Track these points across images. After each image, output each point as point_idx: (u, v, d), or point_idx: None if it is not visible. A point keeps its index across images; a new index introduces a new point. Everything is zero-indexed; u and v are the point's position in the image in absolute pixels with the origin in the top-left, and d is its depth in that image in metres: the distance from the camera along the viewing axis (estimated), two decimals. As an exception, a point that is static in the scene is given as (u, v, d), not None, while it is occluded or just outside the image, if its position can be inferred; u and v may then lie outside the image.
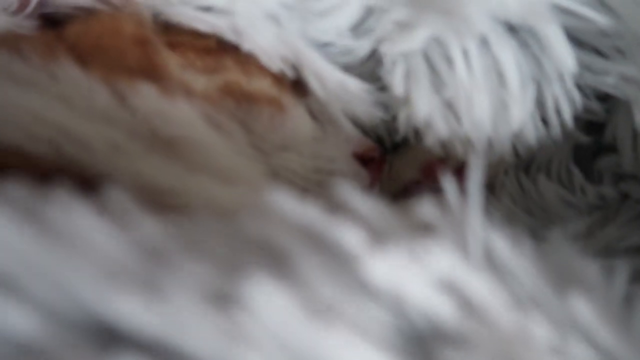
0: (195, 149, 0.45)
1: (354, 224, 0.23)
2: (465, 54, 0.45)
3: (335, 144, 0.56)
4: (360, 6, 0.45)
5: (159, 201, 0.41)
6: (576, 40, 0.45)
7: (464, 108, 0.46)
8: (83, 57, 0.46)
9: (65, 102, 0.42)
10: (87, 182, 0.39)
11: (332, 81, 0.49)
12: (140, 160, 0.42)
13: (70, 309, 0.18)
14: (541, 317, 0.24)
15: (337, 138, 0.56)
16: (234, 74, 0.51)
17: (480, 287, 0.24)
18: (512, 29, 0.45)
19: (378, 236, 0.26)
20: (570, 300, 0.24)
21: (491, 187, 0.61)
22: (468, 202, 0.28)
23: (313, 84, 0.50)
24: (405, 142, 0.58)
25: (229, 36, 0.49)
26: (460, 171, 0.60)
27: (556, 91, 0.46)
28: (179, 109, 0.45)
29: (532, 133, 0.49)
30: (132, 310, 0.17)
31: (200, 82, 0.49)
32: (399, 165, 0.63)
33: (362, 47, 0.48)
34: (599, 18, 0.42)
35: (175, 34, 0.51)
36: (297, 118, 0.54)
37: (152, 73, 0.47)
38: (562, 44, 0.43)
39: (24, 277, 0.18)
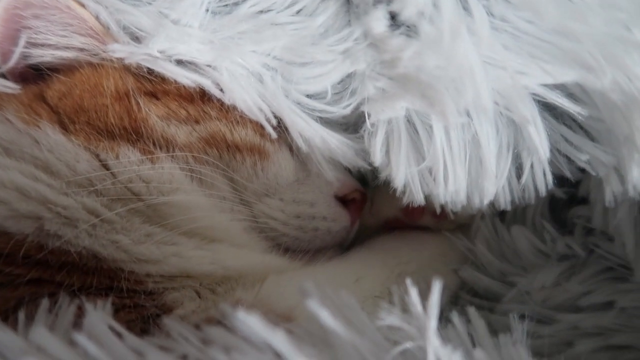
0: (177, 213, 0.46)
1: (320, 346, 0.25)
2: (446, 128, 0.45)
3: (316, 187, 0.57)
4: (342, 73, 0.45)
5: (139, 271, 0.43)
6: (558, 113, 0.46)
7: (441, 178, 0.47)
8: (65, 120, 0.46)
9: (48, 171, 0.43)
10: (70, 262, 0.41)
11: (313, 138, 0.49)
12: (121, 231, 0.43)
13: None
14: None
15: (319, 179, 0.57)
16: (217, 124, 0.51)
17: None
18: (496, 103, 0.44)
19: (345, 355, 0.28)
20: None
21: (467, 229, 0.64)
22: (428, 323, 0.30)
23: (295, 138, 0.50)
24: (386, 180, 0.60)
25: (213, 91, 0.49)
26: (440, 215, 0.62)
27: (533, 161, 0.47)
28: (160, 171, 0.46)
29: (507, 197, 0.49)
30: None
31: (183, 133, 0.50)
32: (380, 202, 0.65)
33: (342, 111, 0.48)
34: (576, 108, 0.42)
35: (159, 82, 0.50)
36: (280, 162, 0.54)
37: (134, 131, 0.47)
38: (539, 137, 0.44)
39: None
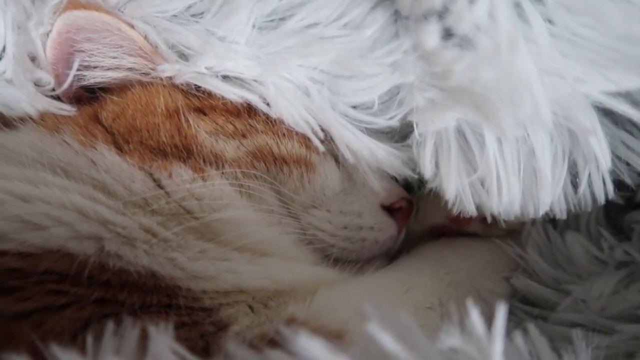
0: (229, 229, 0.46)
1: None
2: (497, 138, 0.44)
3: (363, 197, 0.57)
4: (390, 85, 0.44)
5: (195, 288, 0.43)
6: (616, 116, 0.44)
7: (495, 190, 0.45)
8: (119, 140, 0.47)
9: (106, 191, 0.44)
10: (130, 282, 0.42)
11: (361, 150, 0.49)
12: (177, 248, 0.44)
13: None
14: None
15: (365, 189, 0.57)
16: (263, 138, 0.51)
17: None
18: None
19: None
20: None
21: (517, 235, 0.62)
22: (493, 348, 0.29)
23: (343, 151, 0.50)
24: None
25: (259, 106, 0.49)
26: (485, 220, 0.60)
27: (591, 170, 0.45)
28: (211, 188, 0.47)
29: (563, 206, 0.48)
30: None
31: (231, 148, 0.50)
32: (426, 208, 0.64)
33: (389, 121, 0.47)
34: (637, 114, 0.40)
35: (207, 98, 0.51)
36: (326, 174, 0.54)
37: (185, 148, 0.48)
38: (601, 148, 0.42)
39: None
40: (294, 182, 0.52)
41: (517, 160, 0.44)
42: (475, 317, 0.31)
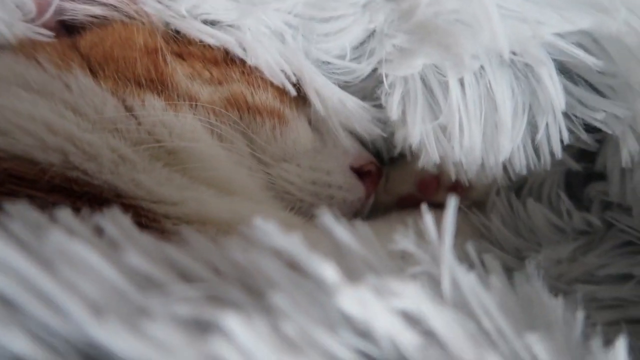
0: (197, 160, 0.47)
1: (331, 258, 0.25)
2: (461, 81, 0.46)
3: (333, 156, 0.58)
4: (362, 30, 0.47)
5: (157, 210, 0.44)
6: (571, 74, 0.47)
7: (455, 133, 0.48)
8: (95, 66, 0.48)
9: (77, 112, 0.44)
10: (91, 192, 0.42)
11: (331, 98, 0.51)
12: (142, 171, 0.44)
13: (64, 329, 0.20)
14: (499, 353, 0.26)
15: (336, 150, 0.58)
16: (238, 86, 0.52)
17: (445, 321, 0.26)
18: (511, 62, 0.46)
19: (354, 268, 0.28)
20: (528, 339, 0.26)
21: (482, 206, 0.64)
22: (443, 240, 0.30)
23: (313, 99, 0.52)
24: (402, 155, 0.60)
25: (236, 50, 0.51)
26: (454, 188, 0.62)
27: (548, 121, 0.48)
28: (183, 120, 0.47)
29: (522, 160, 0.50)
30: (118, 335, 0.19)
31: (206, 92, 0.51)
32: (396, 178, 0.65)
33: (362, 69, 0.49)
34: (591, 59, 0.43)
35: (185, 44, 0.52)
36: (298, 129, 0.55)
37: (160, 83, 0.49)
38: (553, 83, 0.45)
39: (22, 297, 0.21)
40: (265, 132, 0.53)
41: (478, 108, 0.46)
42: (428, 219, 0.31)
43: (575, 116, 0.49)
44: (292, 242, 0.26)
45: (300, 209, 0.55)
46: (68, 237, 0.23)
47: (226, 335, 0.21)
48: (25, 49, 0.48)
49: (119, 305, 0.20)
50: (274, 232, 0.26)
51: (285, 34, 0.49)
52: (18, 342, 0.19)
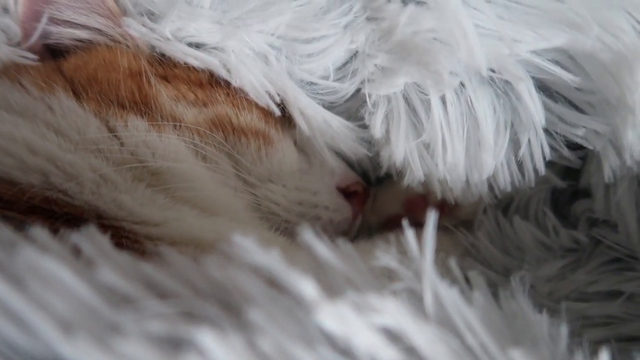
0: (180, 180, 0.46)
1: (311, 274, 0.25)
2: (443, 100, 0.47)
3: (319, 177, 0.58)
4: (344, 50, 0.48)
5: (139, 231, 0.43)
6: (551, 92, 0.48)
7: (440, 151, 0.48)
8: (79, 89, 0.48)
9: (59, 133, 0.44)
10: (71, 213, 0.41)
11: (316, 118, 0.51)
12: (124, 191, 0.44)
13: (30, 347, 0.19)
14: None
15: (322, 170, 0.58)
16: (223, 108, 0.52)
17: (427, 337, 0.25)
18: (491, 80, 0.47)
19: (335, 284, 0.28)
20: (512, 354, 0.26)
21: (469, 225, 0.64)
22: (424, 255, 0.29)
23: (298, 119, 0.52)
24: (389, 175, 0.60)
25: (220, 72, 0.51)
26: (441, 207, 0.62)
27: (530, 137, 0.48)
28: (166, 140, 0.47)
29: (507, 176, 0.51)
30: (88, 352, 0.18)
31: (191, 114, 0.51)
32: (383, 198, 0.65)
33: (346, 89, 0.50)
34: (568, 76, 0.44)
35: (170, 67, 0.53)
36: (284, 150, 0.55)
37: (144, 104, 0.49)
38: (533, 100, 0.45)
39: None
40: (251, 154, 0.53)
41: (460, 125, 0.47)
42: (409, 235, 0.31)
43: (557, 133, 0.49)
44: (270, 259, 0.25)
45: (286, 229, 0.54)
46: (39, 254, 0.22)
47: (200, 352, 0.20)
48: (9, 72, 0.48)
49: (89, 323, 0.20)
50: (252, 248, 0.26)
51: (268, 55, 0.49)
52: None
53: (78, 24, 0.51)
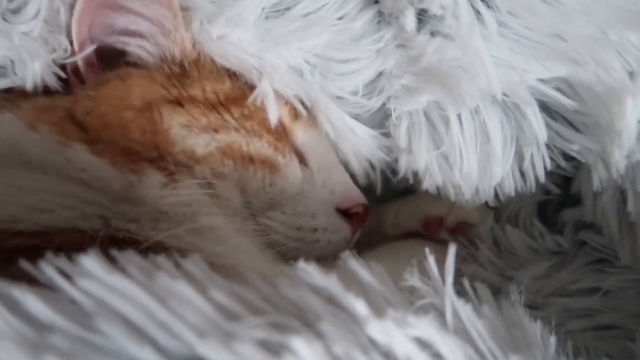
0: (202, 236, 0.48)
1: (360, 294, 0.32)
2: (459, 117, 0.56)
3: (319, 198, 0.59)
4: (374, 71, 0.55)
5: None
6: (551, 112, 0.57)
7: (456, 161, 0.57)
8: (92, 138, 0.49)
9: (89, 186, 0.47)
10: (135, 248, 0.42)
11: (342, 125, 0.58)
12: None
13: (176, 348, 0.27)
14: None
15: (323, 191, 0.59)
16: (234, 135, 0.54)
17: (449, 346, 0.32)
18: (501, 101, 0.55)
19: (376, 303, 0.34)
20: (511, 359, 0.33)
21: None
22: (446, 280, 0.36)
23: (325, 126, 0.59)
24: (408, 191, 0.71)
25: (252, 75, 0.55)
26: (454, 230, 0.70)
27: (533, 151, 0.57)
28: (182, 197, 0.49)
29: (512, 184, 0.60)
30: (217, 352, 0.26)
31: (202, 142, 0.52)
32: (403, 214, 0.73)
33: (372, 104, 0.57)
34: (568, 101, 0.53)
35: (187, 87, 0.54)
36: (288, 176, 0.56)
37: (154, 146, 0.50)
38: (537, 120, 0.54)
39: (146, 324, 0.27)
40: (257, 183, 0.55)
41: (474, 138, 0.56)
42: (431, 260, 0.38)
43: (555, 147, 0.58)
44: (330, 282, 0.33)
45: (282, 252, 0.56)
46: (171, 278, 0.29)
47: (294, 354, 0.27)
48: (27, 117, 0.49)
49: (213, 330, 0.27)
50: (314, 273, 0.34)
51: (304, 69, 0.55)
52: (148, 355, 0.26)
53: (137, 13, 0.53)
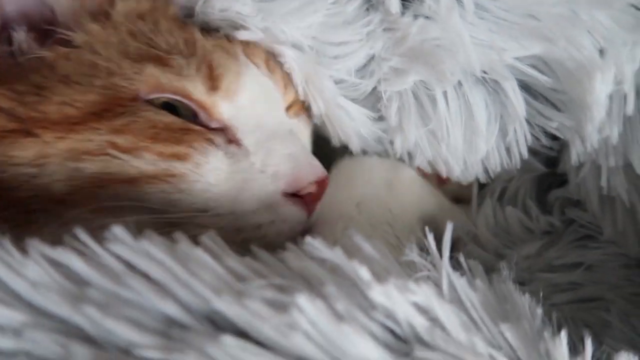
0: None
1: (363, 263, 0.35)
2: (445, 95, 0.60)
3: (259, 187, 0.51)
4: (364, 55, 0.59)
5: None
6: (531, 91, 0.61)
7: (443, 136, 0.61)
8: None
9: None
10: None
11: (335, 105, 0.62)
12: None
13: (194, 302, 0.31)
14: (482, 336, 0.36)
15: (263, 176, 0.51)
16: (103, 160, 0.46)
17: (446, 312, 0.35)
18: (484, 80, 0.60)
19: (379, 272, 0.38)
20: (502, 327, 0.37)
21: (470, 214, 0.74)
22: (443, 256, 0.40)
23: (316, 102, 0.62)
24: None
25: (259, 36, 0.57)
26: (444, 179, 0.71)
27: (516, 127, 0.62)
28: None
29: (497, 159, 0.64)
30: (231, 306, 0.30)
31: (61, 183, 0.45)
32: None
33: (365, 85, 0.61)
34: (544, 78, 0.57)
35: (36, 107, 0.46)
36: (203, 175, 0.49)
37: None
38: (516, 96, 0.59)
39: (169, 282, 0.31)
40: (160, 199, 0.47)
41: (459, 116, 0.60)
42: (430, 238, 0.42)
43: (537, 125, 0.62)
44: (335, 254, 0.36)
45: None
46: (190, 246, 0.34)
47: (300, 310, 0.31)
48: None
49: (226, 289, 0.31)
50: (319, 246, 0.37)
51: (303, 45, 0.58)
52: (171, 308, 0.31)
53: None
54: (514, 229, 0.72)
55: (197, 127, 0.50)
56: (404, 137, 0.62)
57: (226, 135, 0.52)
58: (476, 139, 0.61)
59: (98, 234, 0.33)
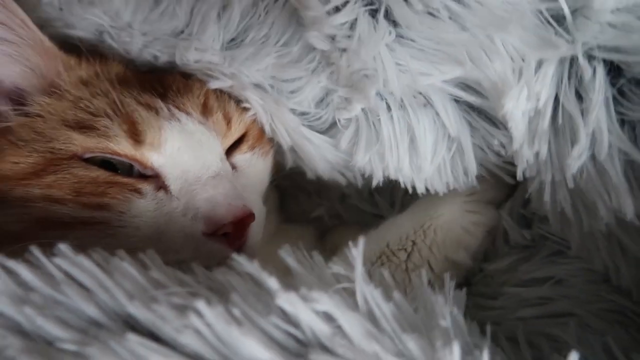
0: None
1: (272, 272, 0.40)
2: (392, 119, 0.65)
3: (179, 229, 0.57)
4: (318, 88, 0.66)
5: None
6: (476, 111, 0.65)
7: (389, 158, 0.67)
8: None
9: None
10: None
11: (299, 136, 0.70)
12: None
13: (115, 306, 0.39)
14: (388, 345, 0.38)
15: (184, 219, 0.57)
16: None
17: (350, 320, 0.39)
18: (426, 102, 0.64)
19: (294, 284, 0.42)
20: (402, 337, 0.39)
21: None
22: (356, 267, 0.44)
23: (282, 136, 0.70)
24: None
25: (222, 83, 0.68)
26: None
27: (464, 145, 0.66)
28: None
29: (449, 176, 0.69)
30: (141, 311, 0.37)
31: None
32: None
33: (326, 115, 0.68)
34: (472, 98, 0.62)
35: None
36: (134, 219, 0.56)
37: None
38: (447, 116, 0.64)
39: (94, 286, 0.39)
40: (91, 239, 0.54)
41: (405, 138, 0.65)
42: (354, 250, 0.45)
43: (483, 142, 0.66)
44: (253, 267, 0.42)
45: None
46: (120, 260, 0.42)
47: (197, 313, 0.37)
48: None
49: (141, 295, 0.39)
50: (242, 261, 0.43)
51: (264, 85, 0.66)
52: (93, 310, 0.39)
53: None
54: (496, 243, 0.75)
55: (124, 179, 0.57)
56: (356, 160, 0.68)
57: (158, 182, 0.58)
58: (419, 160, 0.66)
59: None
